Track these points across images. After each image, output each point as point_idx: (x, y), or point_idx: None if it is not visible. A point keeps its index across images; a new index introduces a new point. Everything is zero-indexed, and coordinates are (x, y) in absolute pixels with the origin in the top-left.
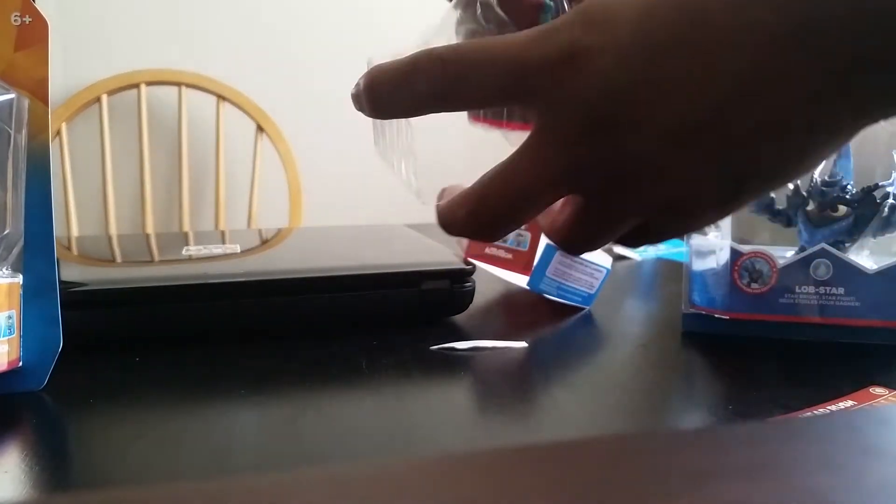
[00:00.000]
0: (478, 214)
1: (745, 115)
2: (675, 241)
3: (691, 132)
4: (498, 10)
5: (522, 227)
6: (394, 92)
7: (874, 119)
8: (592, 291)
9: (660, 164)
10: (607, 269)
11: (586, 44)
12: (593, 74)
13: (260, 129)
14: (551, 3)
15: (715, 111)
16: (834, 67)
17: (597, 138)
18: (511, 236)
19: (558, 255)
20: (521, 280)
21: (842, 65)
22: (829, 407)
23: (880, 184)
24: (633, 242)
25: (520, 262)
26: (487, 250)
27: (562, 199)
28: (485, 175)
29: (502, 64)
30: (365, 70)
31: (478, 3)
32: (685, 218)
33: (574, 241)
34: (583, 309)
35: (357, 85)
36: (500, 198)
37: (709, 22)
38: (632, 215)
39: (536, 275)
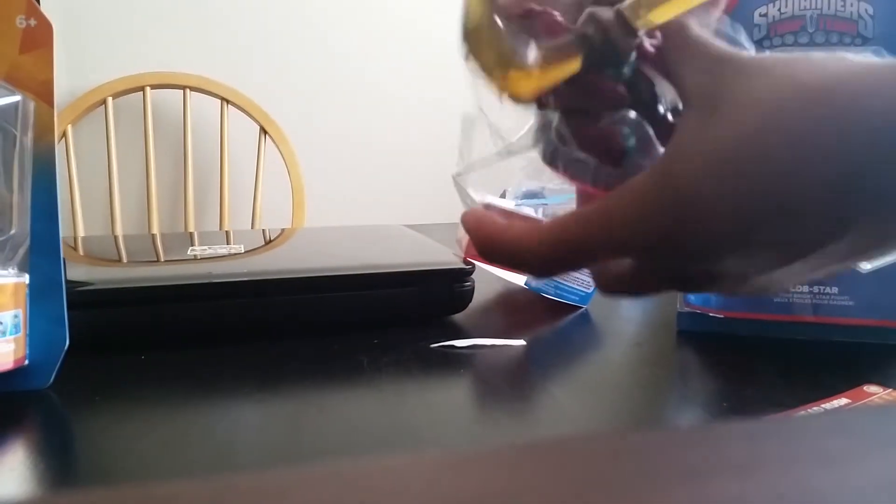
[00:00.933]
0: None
1: None
2: None
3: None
4: (577, 151)
5: None
6: (500, 257)
7: None
8: (589, 291)
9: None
10: None
11: (684, 230)
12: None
13: (263, 131)
14: (632, 147)
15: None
16: None
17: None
18: None
19: None
20: (519, 279)
21: None
22: (823, 405)
23: None
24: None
25: None
26: None
27: None
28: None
29: (605, 250)
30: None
31: (552, 129)
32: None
33: (617, 292)
34: (580, 308)
35: (466, 223)
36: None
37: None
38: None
39: None
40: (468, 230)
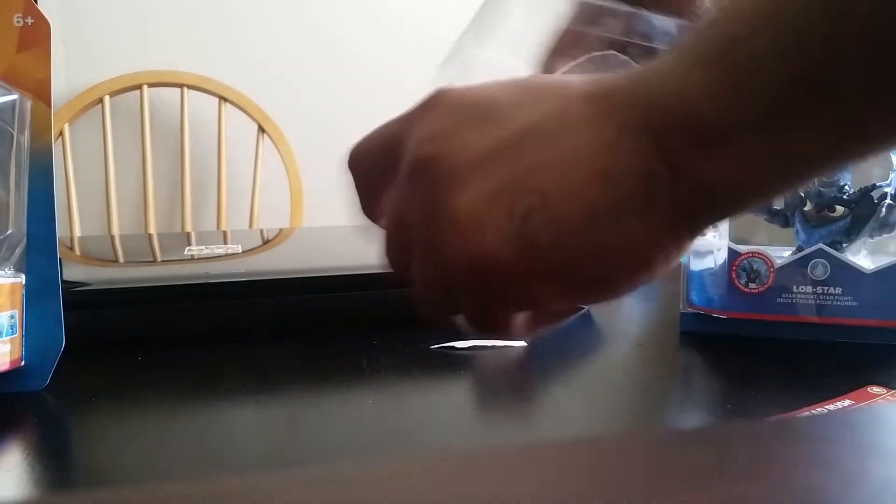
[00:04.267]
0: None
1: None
2: None
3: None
4: None
5: None
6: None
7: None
8: None
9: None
10: None
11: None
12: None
13: (261, 130)
14: None
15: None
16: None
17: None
18: None
19: None
20: None
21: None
22: (827, 406)
23: (878, 184)
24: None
25: None
26: None
27: None
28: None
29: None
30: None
31: None
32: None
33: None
34: (581, 308)
35: None
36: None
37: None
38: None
39: None
40: None
